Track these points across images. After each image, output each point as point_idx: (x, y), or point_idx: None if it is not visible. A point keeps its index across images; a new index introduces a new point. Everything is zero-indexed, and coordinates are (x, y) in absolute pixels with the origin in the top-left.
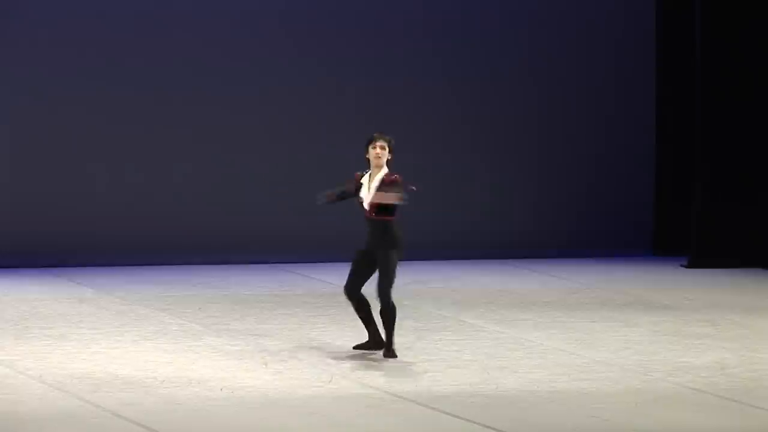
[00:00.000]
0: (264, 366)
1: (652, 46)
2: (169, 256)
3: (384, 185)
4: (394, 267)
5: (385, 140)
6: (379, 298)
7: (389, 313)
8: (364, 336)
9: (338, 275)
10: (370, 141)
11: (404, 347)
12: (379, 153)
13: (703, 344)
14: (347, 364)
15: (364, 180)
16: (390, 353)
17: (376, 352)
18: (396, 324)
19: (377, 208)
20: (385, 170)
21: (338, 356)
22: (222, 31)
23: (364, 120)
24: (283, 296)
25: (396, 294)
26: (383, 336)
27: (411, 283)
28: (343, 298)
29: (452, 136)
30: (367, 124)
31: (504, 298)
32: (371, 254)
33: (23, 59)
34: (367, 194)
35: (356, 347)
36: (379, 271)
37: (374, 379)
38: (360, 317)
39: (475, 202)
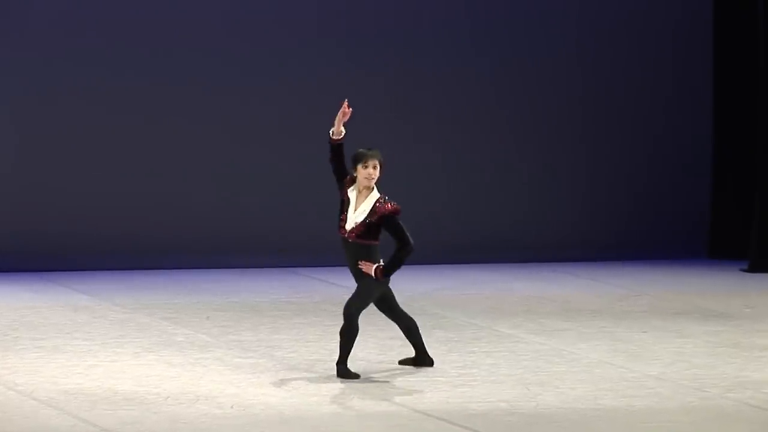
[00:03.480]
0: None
1: (710, 41)
2: (174, 259)
3: (377, 216)
4: (373, 295)
5: (378, 158)
6: (344, 315)
7: (351, 333)
8: (386, 346)
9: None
10: (361, 158)
11: (434, 360)
12: (372, 174)
13: (765, 357)
14: (371, 379)
15: (352, 196)
16: (344, 372)
17: (421, 367)
18: (419, 334)
19: (361, 230)
20: (375, 193)
21: (361, 370)
22: (231, 29)
23: (394, 112)
24: (300, 303)
25: (425, 301)
26: (420, 349)
27: (440, 289)
28: (367, 307)
29: (489, 131)
30: (396, 119)
31: (544, 306)
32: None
33: (26, 53)
34: (352, 215)
35: (402, 362)
36: (356, 291)
37: (401, 395)
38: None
39: (512, 201)
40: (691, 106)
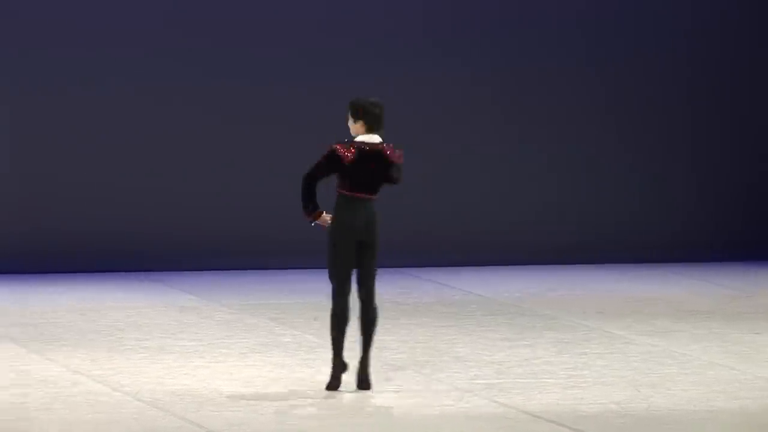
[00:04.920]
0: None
1: None
2: (280, 260)
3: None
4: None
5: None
6: (367, 301)
7: (376, 322)
8: (496, 347)
9: (471, 281)
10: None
11: (544, 361)
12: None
13: None
14: (480, 380)
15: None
16: (366, 383)
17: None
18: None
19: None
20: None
21: (471, 371)
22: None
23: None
24: (409, 304)
25: (534, 302)
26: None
27: (549, 290)
28: (476, 307)
29: (595, 127)
30: (501, 118)
31: (655, 307)
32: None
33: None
34: None
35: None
36: (369, 267)
37: (510, 397)
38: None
39: (621, 199)
40: None
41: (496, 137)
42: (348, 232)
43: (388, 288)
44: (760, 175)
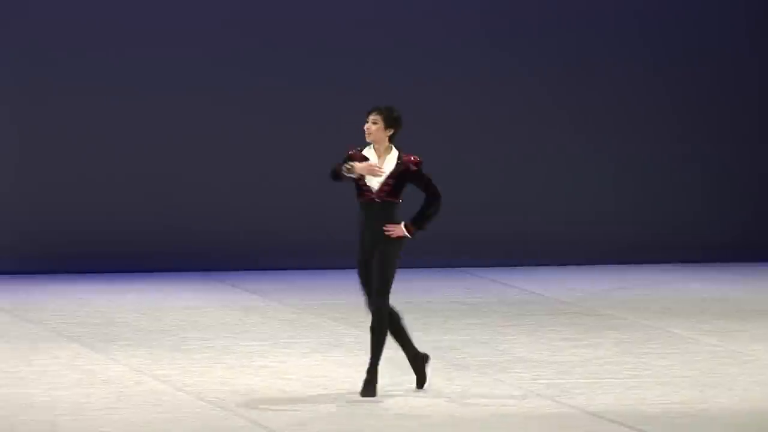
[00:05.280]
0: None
1: None
2: (346, 260)
3: (404, 168)
4: (396, 263)
5: (379, 113)
6: (373, 308)
7: (385, 329)
8: (557, 348)
9: (533, 281)
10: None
11: (606, 361)
12: (369, 128)
13: None
14: (543, 380)
15: (371, 160)
16: (371, 391)
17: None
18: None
19: (389, 187)
20: (394, 151)
21: (532, 371)
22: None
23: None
24: (472, 304)
25: (597, 301)
26: (412, 351)
27: (612, 289)
28: (538, 307)
29: (659, 127)
30: (566, 118)
31: (718, 307)
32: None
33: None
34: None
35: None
36: (380, 270)
37: (573, 396)
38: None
39: (683, 198)
40: None
41: (561, 138)
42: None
43: (452, 288)
44: None
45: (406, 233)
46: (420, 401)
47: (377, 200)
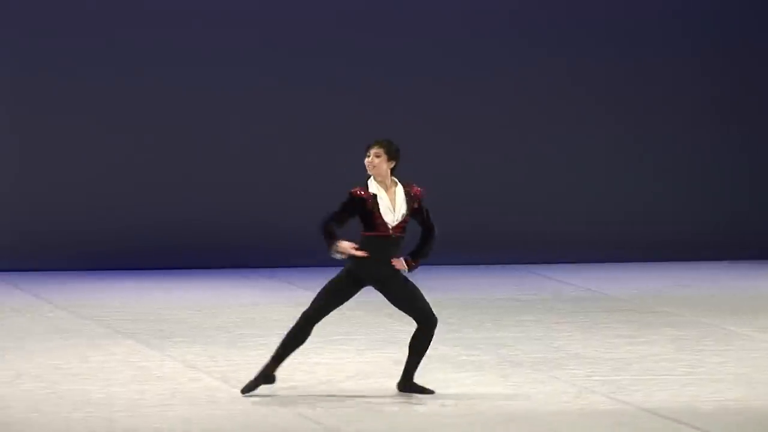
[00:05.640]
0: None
1: None
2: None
3: (416, 202)
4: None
5: (381, 147)
6: (431, 319)
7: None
8: (613, 344)
9: (588, 278)
10: (366, 148)
11: (662, 358)
12: (372, 161)
13: None
14: (597, 377)
15: (380, 194)
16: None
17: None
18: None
19: (405, 223)
20: (398, 183)
21: (587, 367)
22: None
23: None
24: (525, 300)
25: (653, 299)
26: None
27: (668, 287)
28: (593, 304)
29: (710, 122)
30: (603, 114)
31: None
32: (365, 282)
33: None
34: (391, 213)
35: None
36: (415, 295)
37: (628, 393)
38: (289, 353)
39: (739, 193)
40: None
41: (601, 132)
42: None
43: (506, 285)
44: None
45: (406, 267)
46: (475, 397)
47: (393, 235)
